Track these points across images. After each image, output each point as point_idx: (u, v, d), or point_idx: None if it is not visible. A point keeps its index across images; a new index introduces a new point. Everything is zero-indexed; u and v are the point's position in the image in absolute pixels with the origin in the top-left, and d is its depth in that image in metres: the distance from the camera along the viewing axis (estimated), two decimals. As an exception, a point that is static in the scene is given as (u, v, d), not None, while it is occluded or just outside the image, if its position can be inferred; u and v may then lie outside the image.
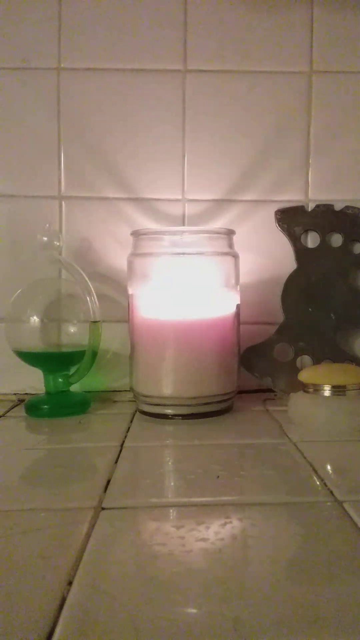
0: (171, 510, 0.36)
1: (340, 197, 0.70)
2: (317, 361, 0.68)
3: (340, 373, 0.56)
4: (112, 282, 0.69)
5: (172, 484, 0.42)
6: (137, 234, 0.61)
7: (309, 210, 0.70)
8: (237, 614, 0.24)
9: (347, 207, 0.69)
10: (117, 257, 0.68)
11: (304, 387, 0.57)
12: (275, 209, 0.70)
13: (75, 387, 0.64)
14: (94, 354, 0.62)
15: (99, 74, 0.69)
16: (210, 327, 0.59)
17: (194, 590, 0.26)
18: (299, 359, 0.68)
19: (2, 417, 0.61)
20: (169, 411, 0.59)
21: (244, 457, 0.47)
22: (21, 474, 0.44)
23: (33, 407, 0.61)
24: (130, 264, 0.61)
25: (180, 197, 0.70)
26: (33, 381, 0.67)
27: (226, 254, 0.61)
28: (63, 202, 0.69)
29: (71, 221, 0.69)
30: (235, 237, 0.63)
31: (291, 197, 0.70)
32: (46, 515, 0.35)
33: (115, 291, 0.69)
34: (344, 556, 0.29)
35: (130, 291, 0.61)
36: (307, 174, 0.70)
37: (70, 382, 0.62)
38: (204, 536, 0.31)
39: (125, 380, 0.65)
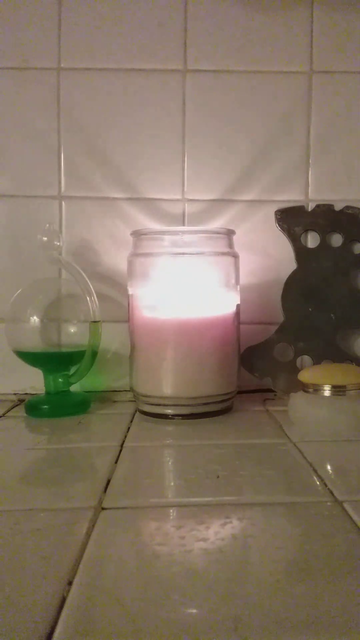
0: (171, 510, 0.36)
1: (340, 197, 0.70)
2: (317, 361, 0.68)
3: (340, 373, 0.56)
4: (112, 282, 0.69)
5: (172, 484, 0.42)
6: (137, 234, 0.61)
7: (309, 210, 0.70)
8: (237, 614, 0.24)
9: (347, 207, 0.69)
10: (117, 257, 0.69)
11: (304, 387, 0.57)
12: (275, 209, 0.70)
13: (75, 387, 0.64)
14: (94, 354, 0.62)
15: (99, 74, 0.69)
16: (210, 327, 0.59)
17: (194, 590, 0.26)
18: (299, 359, 0.68)
19: (2, 417, 0.61)
20: (169, 411, 0.59)
21: (244, 457, 0.47)
22: (21, 474, 0.44)
23: (33, 407, 0.61)
24: (130, 263, 0.61)
25: (180, 197, 0.70)
26: (33, 381, 0.67)
27: (226, 253, 0.61)
28: (63, 202, 0.69)
29: (71, 221, 0.69)
30: (235, 237, 0.63)
31: (291, 197, 0.70)
32: (46, 515, 0.35)
33: (115, 291, 0.69)
34: (344, 556, 0.29)
35: (130, 291, 0.61)
36: (307, 174, 0.70)
37: (70, 382, 0.62)
38: (204, 536, 0.31)
39: (125, 380, 0.65)
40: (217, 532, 0.32)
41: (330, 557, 0.29)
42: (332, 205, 0.69)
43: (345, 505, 0.35)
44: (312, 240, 0.70)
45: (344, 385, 0.55)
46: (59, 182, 0.69)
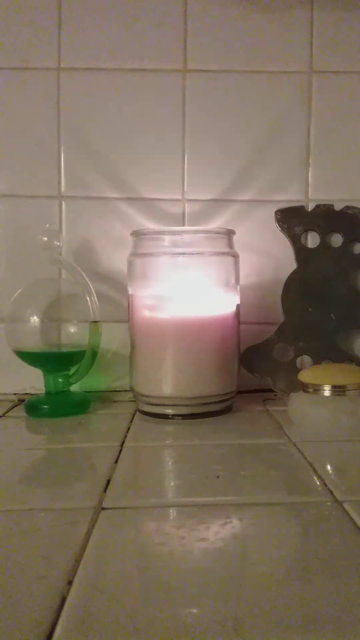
0: (171, 510, 0.36)
1: (340, 197, 0.70)
2: (317, 361, 0.68)
3: (340, 373, 0.56)
4: (112, 282, 0.69)
5: (172, 484, 0.42)
6: (137, 234, 0.61)
7: (309, 210, 0.70)
8: (237, 614, 0.24)
9: (347, 207, 0.69)
10: (117, 257, 0.68)
11: (304, 387, 0.57)
12: (275, 209, 0.69)
13: (75, 387, 0.64)
14: (94, 354, 0.62)
15: (99, 74, 0.69)
16: (210, 327, 0.59)
17: (194, 590, 0.26)
18: (299, 359, 0.68)
19: (2, 417, 0.61)
20: (169, 411, 0.59)
21: (244, 457, 0.47)
22: (21, 474, 0.44)
23: (33, 407, 0.61)
24: (130, 264, 0.61)
25: (180, 197, 0.70)
26: (33, 381, 0.67)
27: (226, 253, 0.61)
28: (63, 202, 0.69)
29: (71, 221, 0.69)
30: (235, 237, 0.63)
31: (291, 197, 0.70)
32: (46, 515, 0.35)
33: (115, 291, 0.69)
34: (343, 556, 0.29)
35: (130, 291, 0.61)
36: (307, 174, 0.70)
37: (70, 382, 0.62)
38: (204, 536, 0.31)
39: (125, 380, 0.65)
40: (217, 532, 0.32)
41: (330, 557, 0.29)
42: (332, 205, 0.69)
43: (345, 505, 0.35)
44: (312, 240, 0.70)
45: (344, 385, 0.55)
46: (59, 182, 0.69)
